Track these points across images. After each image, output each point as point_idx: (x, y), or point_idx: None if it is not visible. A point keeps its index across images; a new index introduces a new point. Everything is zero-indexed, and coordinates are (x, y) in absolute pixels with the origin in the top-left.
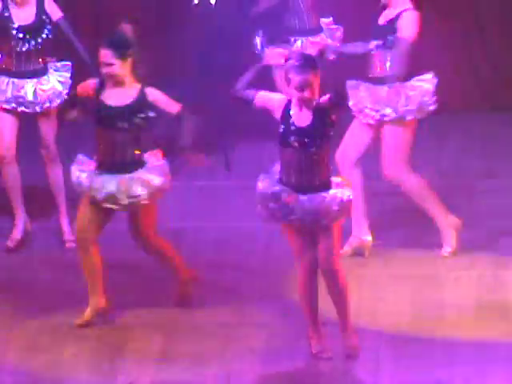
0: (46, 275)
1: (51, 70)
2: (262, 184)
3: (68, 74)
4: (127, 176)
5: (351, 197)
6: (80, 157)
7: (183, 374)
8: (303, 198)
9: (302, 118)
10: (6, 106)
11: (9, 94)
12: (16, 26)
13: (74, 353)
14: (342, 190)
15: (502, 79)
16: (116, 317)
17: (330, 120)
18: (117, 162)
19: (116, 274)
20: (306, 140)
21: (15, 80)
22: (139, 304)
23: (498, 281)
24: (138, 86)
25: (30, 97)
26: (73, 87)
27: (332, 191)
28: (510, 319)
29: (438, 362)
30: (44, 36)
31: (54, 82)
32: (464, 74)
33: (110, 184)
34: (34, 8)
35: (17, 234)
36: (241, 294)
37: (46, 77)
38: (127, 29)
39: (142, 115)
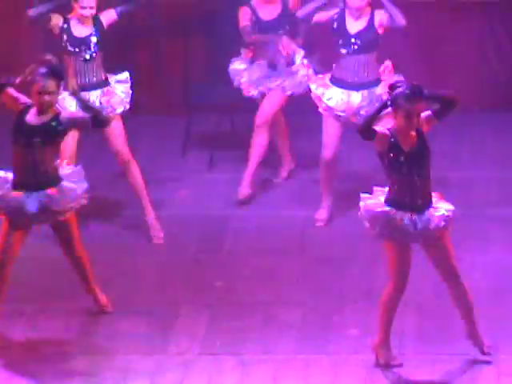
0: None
1: (112, 82)
2: (369, 204)
3: (128, 85)
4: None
5: (452, 208)
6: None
7: (227, 347)
8: (415, 217)
9: (409, 142)
10: None
11: (74, 109)
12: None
13: (128, 328)
14: (444, 204)
15: None
16: (169, 294)
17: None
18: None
19: (164, 256)
20: (415, 163)
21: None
22: (188, 284)
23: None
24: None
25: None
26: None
27: (438, 208)
28: None
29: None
30: (98, 47)
31: (118, 92)
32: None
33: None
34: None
35: None
36: (279, 276)
37: (108, 87)
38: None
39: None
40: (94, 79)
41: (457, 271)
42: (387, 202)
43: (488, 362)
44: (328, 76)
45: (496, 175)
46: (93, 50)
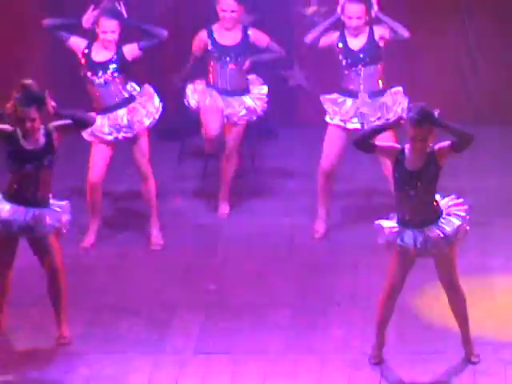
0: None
1: (138, 97)
2: (381, 226)
3: (154, 97)
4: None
5: (466, 217)
6: None
7: (221, 345)
8: (416, 234)
9: (415, 163)
10: (108, 137)
11: (106, 129)
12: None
13: (127, 328)
14: (453, 219)
15: None
16: (165, 298)
17: (439, 164)
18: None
19: (161, 262)
20: (418, 184)
21: (110, 114)
22: (184, 288)
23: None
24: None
25: (125, 123)
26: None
27: (442, 225)
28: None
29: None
30: (119, 72)
31: (145, 107)
32: None
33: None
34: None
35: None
36: (268, 280)
37: (133, 104)
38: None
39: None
40: (116, 99)
41: (457, 282)
42: (398, 219)
43: (471, 362)
44: (335, 95)
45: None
46: (109, 74)
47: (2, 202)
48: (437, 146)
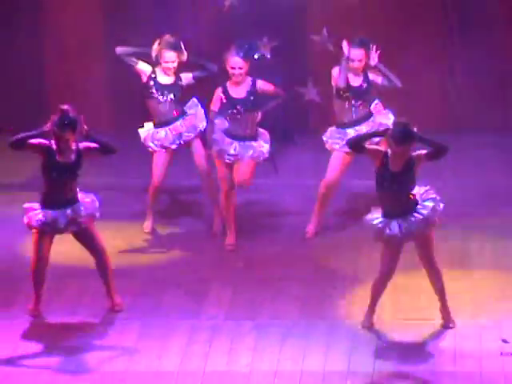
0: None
1: (187, 111)
2: (368, 218)
3: (198, 106)
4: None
5: (436, 198)
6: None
7: (246, 313)
8: (400, 222)
9: (396, 165)
10: (173, 146)
11: (170, 138)
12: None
13: (169, 299)
14: (431, 199)
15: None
16: (202, 274)
17: (415, 168)
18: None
19: (199, 245)
20: (396, 182)
21: (170, 126)
22: (215, 266)
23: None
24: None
25: (184, 129)
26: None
27: (424, 206)
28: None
29: None
30: (178, 94)
31: (195, 115)
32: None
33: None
34: (173, 77)
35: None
36: (286, 258)
37: (185, 117)
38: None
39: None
40: (174, 113)
41: (434, 259)
42: (382, 213)
43: (450, 327)
44: (333, 128)
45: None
46: (171, 95)
47: (43, 208)
48: (415, 154)
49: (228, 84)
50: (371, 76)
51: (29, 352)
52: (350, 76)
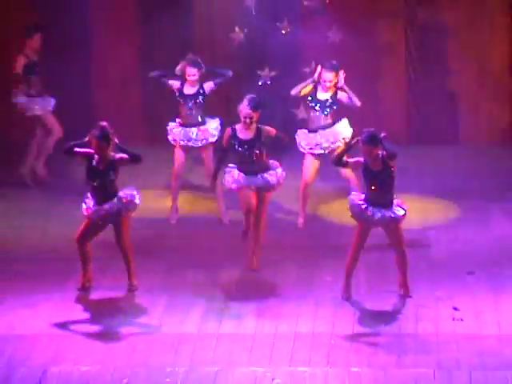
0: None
1: (208, 122)
2: (353, 198)
3: (217, 123)
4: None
5: (406, 208)
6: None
7: (252, 289)
8: (376, 210)
9: (375, 166)
10: (181, 142)
11: (181, 136)
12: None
13: (192, 279)
14: (402, 205)
15: None
16: (216, 256)
17: (390, 166)
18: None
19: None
20: (377, 179)
21: (193, 128)
22: (228, 250)
23: None
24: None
25: (194, 136)
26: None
27: (395, 209)
28: None
29: None
30: (199, 101)
31: (210, 128)
32: None
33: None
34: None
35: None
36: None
37: (204, 126)
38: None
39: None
40: (196, 120)
41: (402, 245)
42: (364, 199)
43: (410, 297)
44: (304, 130)
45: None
46: (194, 102)
47: (90, 202)
48: (385, 155)
49: (238, 126)
50: (339, 95)
51: (78, 319)
52: (319, 92)
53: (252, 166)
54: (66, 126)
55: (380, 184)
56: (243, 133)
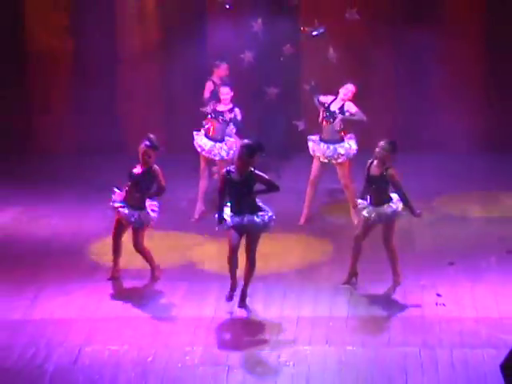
0: None
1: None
2: (361, 204)
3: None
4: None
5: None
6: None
7: (258, 275)
8: (373, 209)
9: (374, 171)
10: (215, 157)
11: (215, 151)
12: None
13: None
14: (398, 204)
15: None
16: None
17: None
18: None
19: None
20: (375, 183)
21: (218, 143)
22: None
23: None
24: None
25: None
26: None
27: (391, 206)
28: None
29: None
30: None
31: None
32: None
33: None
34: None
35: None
36: (285, 238)
37: (229, 139)
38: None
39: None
40: (221, 136)
41: (391, 240)
42: (367, 200)
43: (399, 284)
44: (316, 138)
45: None
46: (227, 119)
47: (124, 206)
48: (389, 168)
49: (233, 168)
50: (346, 105)
51: (107, 305)
52: (333, 103)
53: (241, 206)
54: (95, 134)
55: (373, 186)
56: (236, 175)
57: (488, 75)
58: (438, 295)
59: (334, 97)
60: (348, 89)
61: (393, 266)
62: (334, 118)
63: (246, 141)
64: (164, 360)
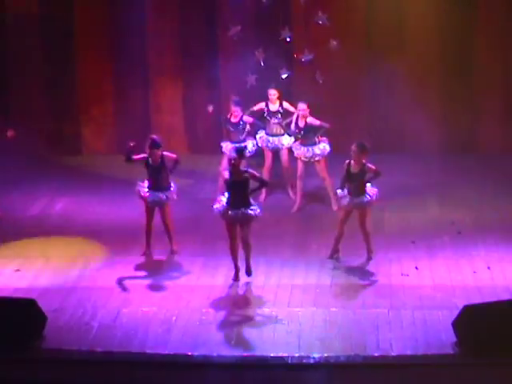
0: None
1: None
2: (341, 194)
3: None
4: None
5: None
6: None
7: (258, 251)
8: (351, 197)
9: (355, 168)
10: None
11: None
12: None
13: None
14: (371, 191)
15: None
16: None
17: (366, 171)
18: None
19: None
20: (356, 178)
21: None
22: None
23: None
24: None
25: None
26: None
27: (367, 195)
28: None
29: None
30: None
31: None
32: None
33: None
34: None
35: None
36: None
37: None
38: (156, 136)
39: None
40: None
41: (365, 224)
42: (346, 191)
43: (371, 259)
44: (297, 142)
45: None
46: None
47: (148, 190)
48: (367, 163)
49: (228, 173)
50: (309, 119)
51: (140, 275)
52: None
53: (238, 202)
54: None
55: (356, 181)
56: (234, 174)
57: (442, 91)
58: (416, 268)
59: (291, 118)
60: (301, 107)
61: (367, 245)
62: (308, 133)
63: (236, 145)
64: (185, 319)
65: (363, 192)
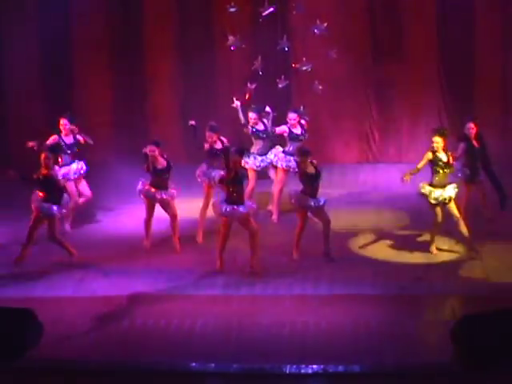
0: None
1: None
2: (295, 192)
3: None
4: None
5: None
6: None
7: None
8: (314, 200)
9: (311, 170)
10: (258, 168)
11: (257, 163)
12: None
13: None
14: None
15: None
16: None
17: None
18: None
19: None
20: (315, 180)
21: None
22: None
23: None
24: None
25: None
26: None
27: (323, 198)
28: None
29: None
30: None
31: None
32: None
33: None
34: None
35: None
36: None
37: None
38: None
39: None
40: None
41: (328, 221)
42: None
43: (329, 254)
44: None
45: None
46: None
47: (150, 187)
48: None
49: (223, 174)
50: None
51: (135, 286)
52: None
53: (235, 199)
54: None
55: (313, 183)
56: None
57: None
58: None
59: (284, 125)
60: (292, 117)
61: (326, 239)
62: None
63: (233, 148)
64: (183, 328)
65: (317, 193)
